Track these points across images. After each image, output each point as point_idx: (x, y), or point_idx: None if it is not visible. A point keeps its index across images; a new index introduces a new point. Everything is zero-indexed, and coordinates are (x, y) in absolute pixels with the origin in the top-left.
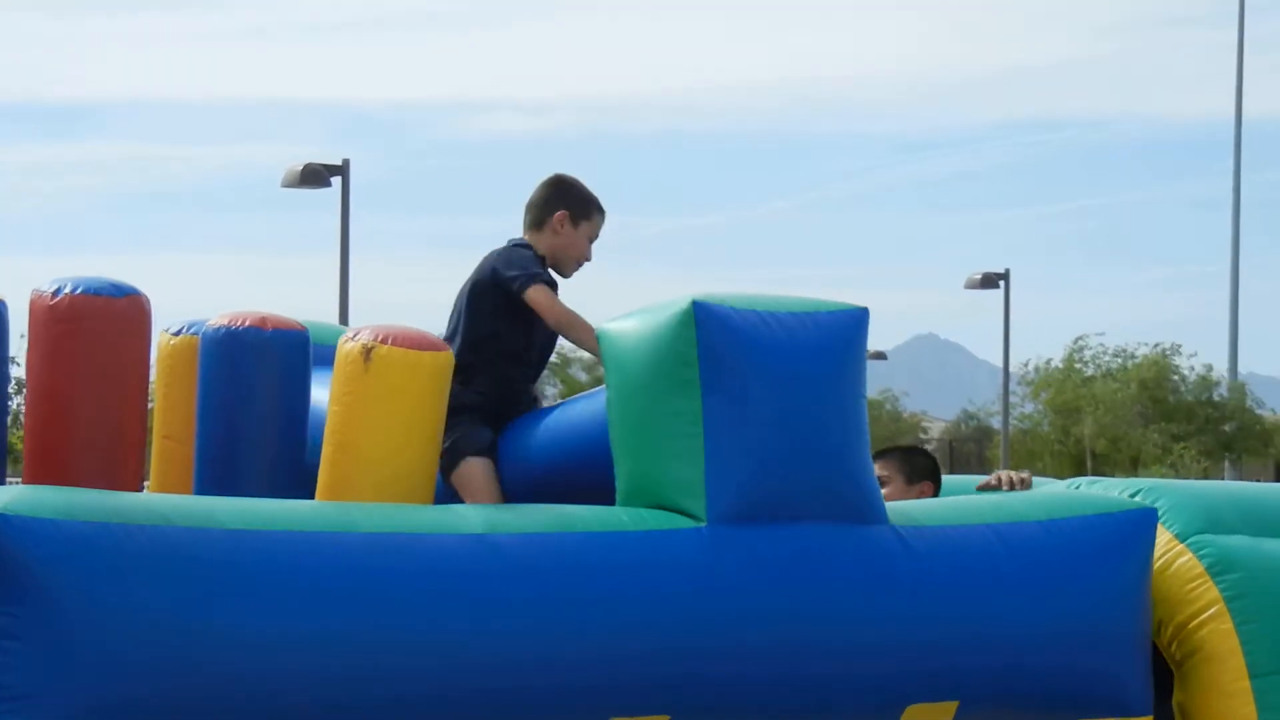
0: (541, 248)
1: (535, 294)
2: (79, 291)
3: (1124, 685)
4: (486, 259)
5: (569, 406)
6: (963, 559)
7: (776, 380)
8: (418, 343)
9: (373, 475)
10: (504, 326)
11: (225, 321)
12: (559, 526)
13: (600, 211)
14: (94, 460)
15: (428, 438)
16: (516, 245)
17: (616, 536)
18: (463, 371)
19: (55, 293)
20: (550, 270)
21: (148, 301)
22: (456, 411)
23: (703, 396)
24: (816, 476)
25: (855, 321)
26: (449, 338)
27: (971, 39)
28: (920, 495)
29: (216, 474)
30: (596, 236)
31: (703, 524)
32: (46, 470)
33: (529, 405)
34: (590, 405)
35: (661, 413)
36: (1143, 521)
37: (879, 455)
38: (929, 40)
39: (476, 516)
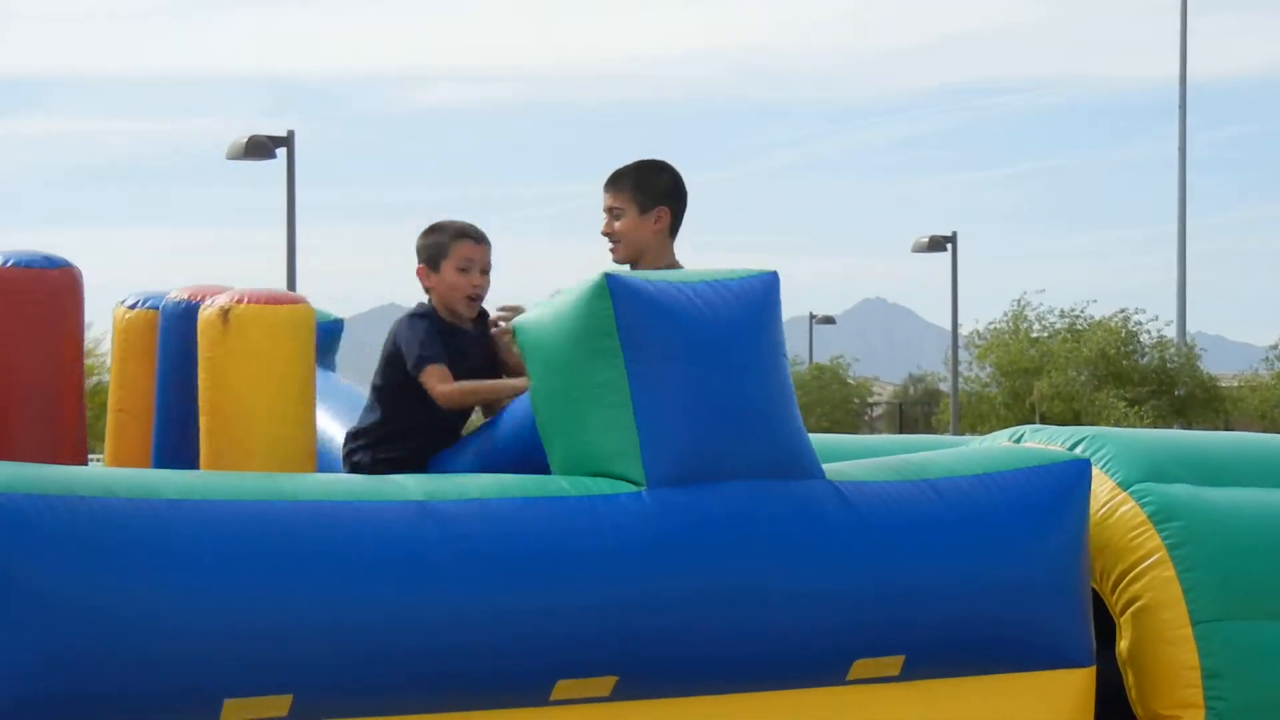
0: (433, 302)
1: (426, 378)
2: (10, 264)
3: (1065, 636)
4: (393, 327)
5: (490, 425)
6: (901, 513)
7: (696, 343)
8: (274, 299)
9: (244, 435)
10: (418, 396)
11: (185, 295)
12: (499, 493)
13: (458, 237)
14: (31, 431)
15: (296, 393)
16: (414, 315)
17: (558, 501)
18: (385, 439)
19: None
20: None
21: (80, 273)
22: (370, 466)
23: (626, 364)
24: (748, 435)
25: (767, 285)
26: (372, 406)
27: (911, 3)
28: (658, 223)
29: (175, 447)
30: (474, 261)
31: (642, 487)
32: None
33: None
34: (510, 416)
35: (587, 386)
36: (1078, 473)
37: (607, 184)
38: (868, 6)
39: (415, 485)
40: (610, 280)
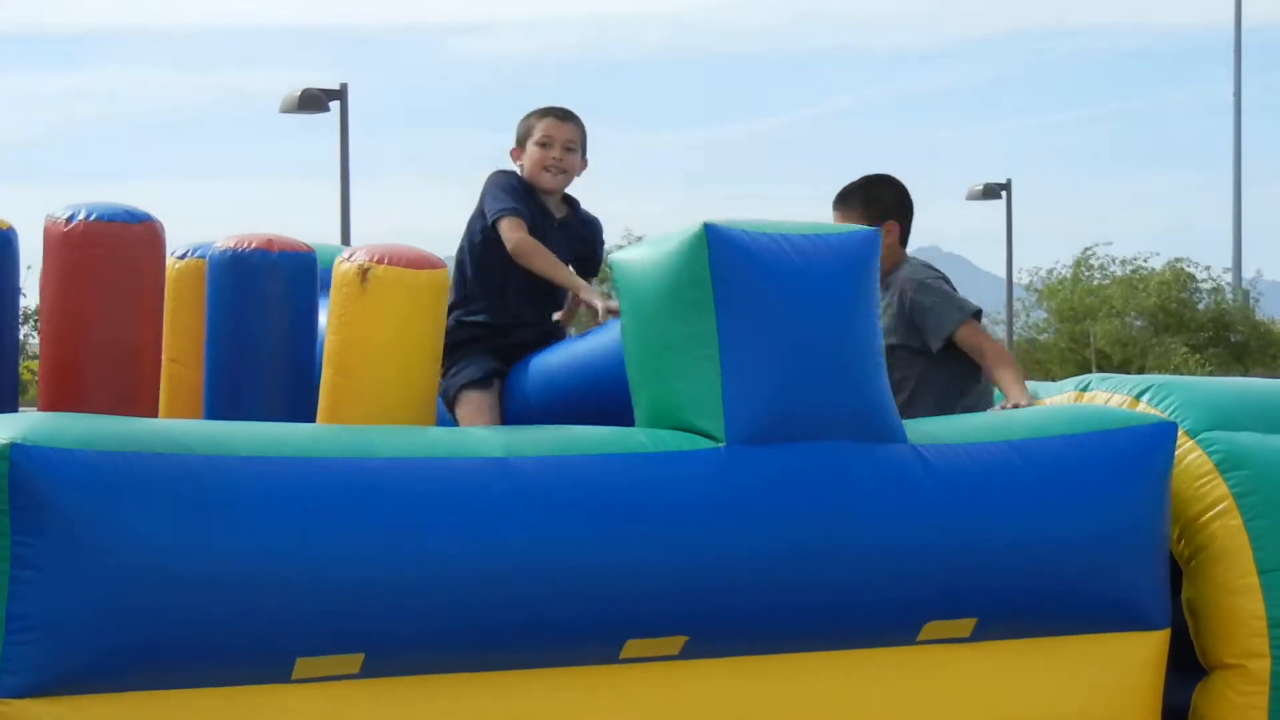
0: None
1: (501, 226)
2: (93, 218)
3: (1143, 599)
4: (482, 187)
5: (578, 342)
6: (982, 476)
7: (790, 300)
8: (414, 261)
9: (373, 397)
10: (496, 255)
11: (232, 244)
12: (578, 449)
13: (542, 116)
14: (110, 386)
15: (427, 358)
16: (501, 172)
17: (635, 458)
18: (466, 300)
19: (69, 219)
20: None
21: (162, 227)
22: (461, 343)
23: (717, 317)
24: (833, 396)
25: (867, 242)
26: (457, 267)
27: None
28: (888, 236)
29: (225, 397)
30: (554, 138)
31: (721, 444)
32: (61, 397)
33: (541, 335)
34: (600, 340)
35: (677, 335)
36: (1163, 435)
37: (836, 203)
38: None
39: (495, 440)
40: (709, 231)
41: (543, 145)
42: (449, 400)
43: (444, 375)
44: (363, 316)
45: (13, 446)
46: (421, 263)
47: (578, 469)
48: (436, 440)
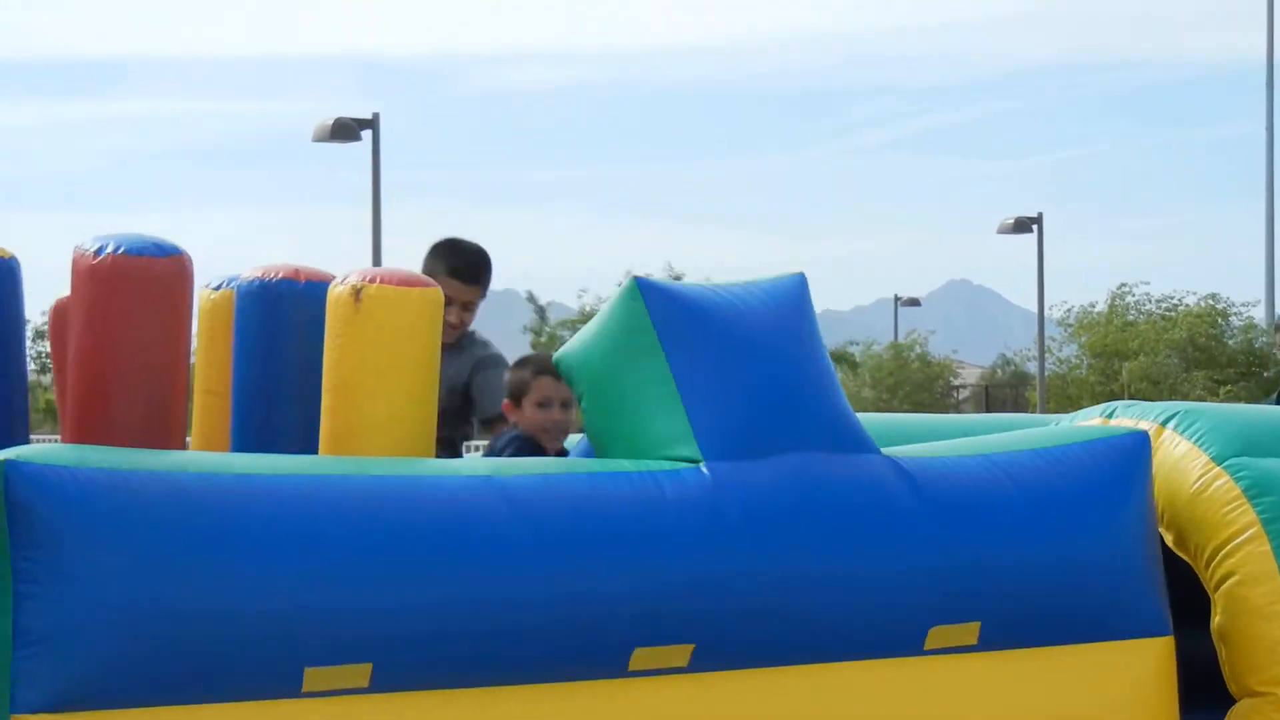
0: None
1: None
2: (121, 251)
3: (1136, 606)
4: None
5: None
6: (963, 485)
7: (730, 331)
8: (406, 280)
9: (373, 417)
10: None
11: (259, 274)
12: (562, 469)
13: (538, 374)
14: (137, 421)
15: (424, 376)
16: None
17: (622, 475)
18: None
19: (97, 251)
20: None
21: (190, 261)
22: None
23: (666, 355)
24: (796, 412)
25: (795, 283)
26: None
27: None
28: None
29: (254, 426)
30: (553, 398)
31: (701, 463)
32: (88, 430)
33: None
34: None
35: (633, 384)
36: (1137, 444)
37: (470, 280)
38: None
39: (481, 462)
40: (640, 282)
41: (542, 406)
42: None
43: None
44: (358, 337)
45: (6, 463)
46: (413, 282)
47: (566, 485)
48: (425, 464)
